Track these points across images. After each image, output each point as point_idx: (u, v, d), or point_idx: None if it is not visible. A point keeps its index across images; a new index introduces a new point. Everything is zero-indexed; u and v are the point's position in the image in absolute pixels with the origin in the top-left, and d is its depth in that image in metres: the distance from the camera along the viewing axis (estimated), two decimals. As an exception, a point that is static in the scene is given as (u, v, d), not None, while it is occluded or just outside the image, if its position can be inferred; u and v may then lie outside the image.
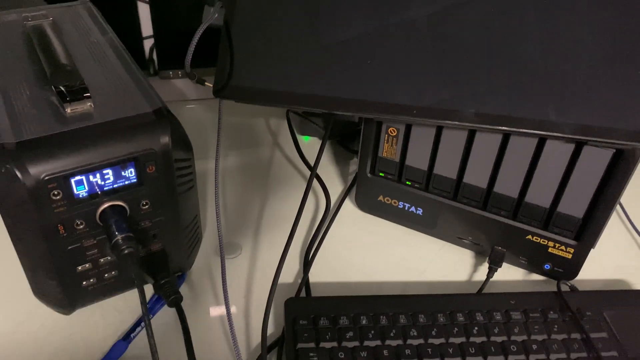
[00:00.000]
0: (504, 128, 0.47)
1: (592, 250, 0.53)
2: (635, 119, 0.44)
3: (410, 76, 0.49)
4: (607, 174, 0.49)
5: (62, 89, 0.44)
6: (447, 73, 0.48)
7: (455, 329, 0.49)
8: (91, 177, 0.41)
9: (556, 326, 0.49)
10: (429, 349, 0.47)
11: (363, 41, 0.50)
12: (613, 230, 0.64)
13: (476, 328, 0.49)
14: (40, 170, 0.39)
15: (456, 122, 0.47)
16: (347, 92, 0.50)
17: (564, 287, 0.54)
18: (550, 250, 0.54)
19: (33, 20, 0.54)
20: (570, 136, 0.46)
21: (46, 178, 0.39)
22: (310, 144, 0.74)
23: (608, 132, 0.44)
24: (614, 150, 0.47)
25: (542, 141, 0.49)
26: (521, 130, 0.46)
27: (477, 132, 0.51)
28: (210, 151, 0.71)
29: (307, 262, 0.57)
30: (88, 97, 0.44)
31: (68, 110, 0.43)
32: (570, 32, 0.46)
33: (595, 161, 0.48)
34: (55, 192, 0.40)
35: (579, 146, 0.48)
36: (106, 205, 0.43)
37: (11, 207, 0.41)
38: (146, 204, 0.45)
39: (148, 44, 0.78)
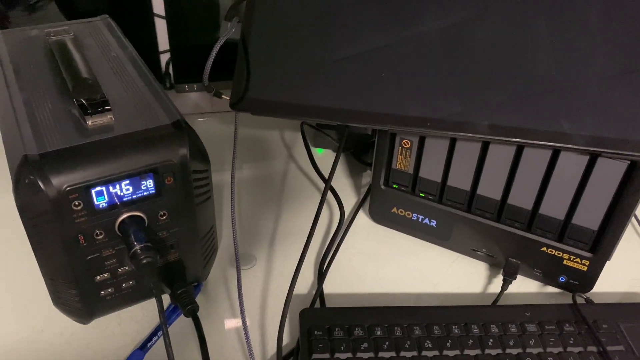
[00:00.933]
0: (517, 140, 0.47)
1: (607, 262, 0.53)
2: (650, 130, 0.44)
3: (424, 89, 0.49)
4: (621, 185, 0.49)
5: (84, 101, 0.45)
6: (460, 85, 0.48)
7: (470, 340, 0.48)
8: (111, 188, 0.42)
9: (572, 339, 0.49)
10: (444, 361, 0.47)
11: (377, 54, 0.51)
12: (629, 243, 0.63)
13: (491, 340, 0.49)
14: (62, 181, 0.40)
15: (470, 134, 0.48)
16: (362, 105, 0.50)
17: (580, 300, 0.54)
18: (565, 262, 0.54)
19: (55, 35, 0.56)
20: (583, 148, 0.46)
21: (68, 189, 0.40)
22: (324, 156, 0.75)
23: (621, 143, 0.45)
24: (629, 162, 0.47)
25: (556, 153, 0.50)
26: (534, 142, 0.46)
27: (490, 144, 0.52)
28: (225, 163, 0.72)
29: (321, 273, 0.57)
30: (108, 110, 0.45)
31: (89, 122, 0.44)
32: (582, 44, 0.46)
33: (609, 173, 0.48)
34: (76, 203, 0.41)
35: (593, 158, 0.48)
36: (125, 215, 0.44)
37: (33, 217, 0.42)
38: (164, 214, 0.46)
39: (164, 58, 0.79)
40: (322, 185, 0.70)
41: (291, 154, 0.76)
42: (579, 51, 0.46)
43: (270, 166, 0.73)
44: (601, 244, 0.52)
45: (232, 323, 0.52)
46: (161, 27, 0.77)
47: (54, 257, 0.44)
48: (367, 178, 0.72)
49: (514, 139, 0.47)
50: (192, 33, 0.78)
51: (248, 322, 0.52)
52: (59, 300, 0.48)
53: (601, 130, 0.45)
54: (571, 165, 0.49)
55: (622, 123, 0.45)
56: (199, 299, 0.54)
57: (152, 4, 0.74)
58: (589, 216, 0.51)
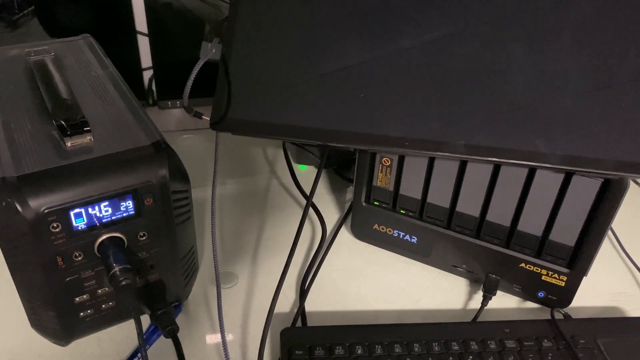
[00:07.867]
0: (493, 159, 0.48)
1: (585, 277, 0.53)
2: (620, 149, 0.45)
3: (402, 109, 0.50)
4: (596, 202, 0.49)
5: (63, 122, 0.45)
6: (437, 105, 0.49)
7: (450, 358, 0.49)
8: (90, 210, 0.42)
9: (550, 354, 0.50)
10: (424, 379, 0.47)
11: (356, 74, 0.51)
12: (606, 258, 0.64)
13: (471, 357, 0.49)
14: (40, 203, 0.40)
15: (447, 154, 0.48)
16: (341, 125, 0.51)
17: (558, 315, 0.55)
18: (543, 278, 0.55)
19: (35, 55, 0.56)
20: (558, 167, 0.47)
21: (46, 211, 0.40)
22: (306, 172, 0.75)
23: (594, 162, 0.45)
24: (602, 180, 0.48)
25: (532, 171, 0.50)
26: (510, 161, 0.47)
27: (468, 162, 0.52)
28: (208, 179, 0.72)
29: (303, 291, 0.57)
30: (88, 131, 0.45)
31: (68, 144, 0.44)
32: (557, 65, 0.47)
33: (584, 190, 0.49)
34: (55, 225, 0.41)
35: (568, 176, 0.49)
36: (104, 237, 0.44)
37: (11, 240, 0.41)
38: (144, 235, 0.46)
39: (147, 75, 0.79)
40: (304, 201, 0.70)
41: (274, 170, 0.76)
42: (553, 73, 0.47)
43: (253, 182, 0.73)
44: (578, 259, 0.53)
45: (213, 343, 0.52)
46: (144, 44, 0.77)
47: (31, 279, 0.44)
48: (349, 194, 0.72)
49: (490, 159, 0.48)
50: (175, 50, 0.78)
51: (229, 342, 0.52)
52: (37, 322, 0.47)
53: (575, 149, 0.46)
54: (547, 183, 0.50)
55: (594, 142, 0.46)
56: (179, 318, 0.53)
57: (135, 21, 0.75)
58: (566, 232, 0.52)
